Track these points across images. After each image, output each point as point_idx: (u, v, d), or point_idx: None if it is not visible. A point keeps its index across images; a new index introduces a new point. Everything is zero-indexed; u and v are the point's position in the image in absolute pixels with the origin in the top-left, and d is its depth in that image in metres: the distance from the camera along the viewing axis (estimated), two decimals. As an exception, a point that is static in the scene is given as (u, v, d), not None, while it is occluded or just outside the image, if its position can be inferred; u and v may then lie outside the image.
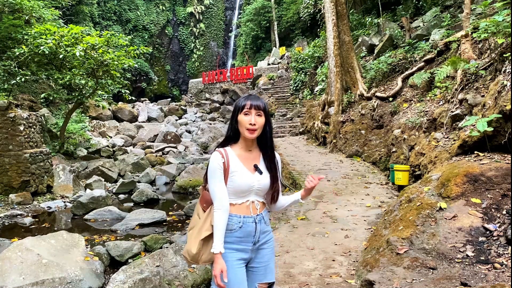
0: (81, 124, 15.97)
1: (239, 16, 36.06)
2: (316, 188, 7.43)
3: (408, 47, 10.53)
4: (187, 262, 2.13)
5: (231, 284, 1.97)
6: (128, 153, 15.18)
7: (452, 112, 6.46)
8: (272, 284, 2.19)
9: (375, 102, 10.30)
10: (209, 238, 2.02)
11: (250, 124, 2.02)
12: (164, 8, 40.05)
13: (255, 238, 2.10)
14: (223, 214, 2.00)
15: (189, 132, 21.28)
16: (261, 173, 2.10)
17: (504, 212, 3.71)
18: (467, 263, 3.29)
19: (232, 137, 2.11)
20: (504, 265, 3.16)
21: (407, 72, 9.80)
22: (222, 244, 1.98)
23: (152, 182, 11.61)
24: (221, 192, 2.02)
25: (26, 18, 13.67)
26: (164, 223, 7.33)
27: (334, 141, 11.50)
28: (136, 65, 21.24)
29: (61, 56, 11.64)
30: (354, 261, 4.07)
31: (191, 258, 2.06)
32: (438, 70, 7.27)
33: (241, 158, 2.09)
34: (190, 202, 8.39)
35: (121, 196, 10.08)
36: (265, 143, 2.13)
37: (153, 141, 18.66)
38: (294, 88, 20.95)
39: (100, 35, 12.82)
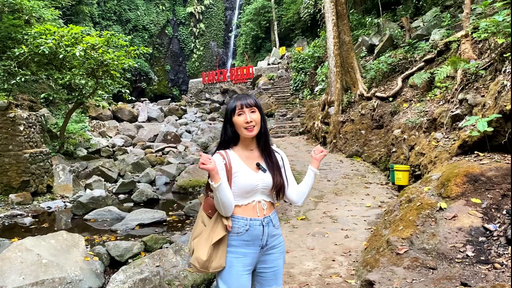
0: (81, 124, 15.97)
1: (239, 16, 36.08)
2: (316, 188, 7.47)
3: (408, 47, 10.53)
4: (196, 271, 2.03)
5: None
6: (128, 153, 15.17)
7: (452, 112, 6.46)
8: None
9: (375, 102, 10.30)
10: (219, 242, 1.98)
11: (247, 122, 2.00)
12: (164, 8, 40.05)
13: (263, 242, 2.05)
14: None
15: (189, 132, 21.28)
16: (264, 171, 2.07)
17: (504, 212, 3.71)
18: (467, 263, 3.29)
19: (230, 140, 2.09)
20: (504, 265, 3.15)
21: (407, 72, 9.80)
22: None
23: (152, 182, 11.60)
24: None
25: (26, 18, 13.67)
26: (164, 223, 7.33)
27: (334, 141, 11.50)
28: (136, 65, 21.25)
29: (61, 56, 11.63)
30: (354, 261, 4.07)
31: (201, 266, 1.98)
32: (438, 70, 7.27)
33: (242, 158, 2.07)
34: (190, 202, 8.39)
35: (121, 196, 10.07)
36: (260, 139, 2.11)
37: (153, 141, 18.66)
38: (294, 88, 20.96)
39: (100, 35, 12.81)
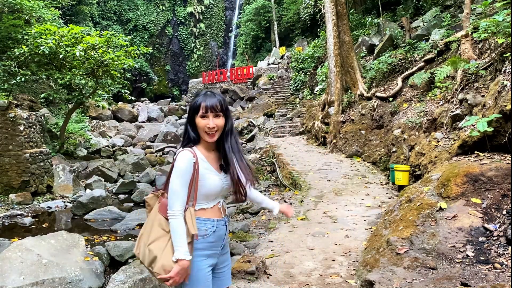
0: (81, 124, 15.97)
1: (239, 16, 36.07)
2: (316, 188, 7.47)
3: (408, 47, 10.52)
4: (160, 278, 1.90)
5: None
6: (128, 153, 15.17)
7: (452, 112, 6.46)
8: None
9: (375, 102, 10.30)
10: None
11: (208, 128, 1.91)
12: (164, 8, 40.05)
13: (224, 242, 2.05)
14: (182, 219, 1.89)
15: (189, 132, 21.25)
16: (226, 172, 2.03)
17: (504, 212, 3.71)
18: (467, 263, 3.29)
19: (196, 140, 1.99)
20: (504, 265, 3.16)
21: (407, 72, 9.80)
22: (189, 251, 1.86)
23: (152, 182, 11.60)
24: (185, 197, 1.89)
25: (26, 18, 13.68)
26: (164, 223, 7.32)
27: (334, 141, 11.50)
28: (136, 65, 21.25)
29: (61, 56, 11.64)
30: (354, 261, 4.07)
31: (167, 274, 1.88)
32: (438, 70, 7.27)
33: (208, 159, 1.99)
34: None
35: (121, 196, 10.08)
36: (224, 142, 2.01)
37: (153, 141, 18.66)
38: (294, 88, 20.95)
39: (100, 35, 12.82)
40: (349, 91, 12.08)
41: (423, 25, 11.39)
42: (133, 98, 18.36)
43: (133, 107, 24.05)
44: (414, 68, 9.55)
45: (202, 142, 2.01)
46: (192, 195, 1.92)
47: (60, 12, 17.37)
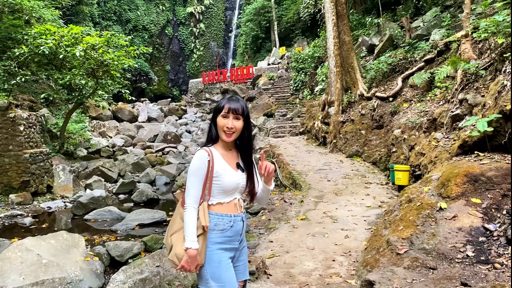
0: (81, 124, 15.97)
1: (239, 16, 36.07)
2: (316, 188, 7.45)
3: (408, 47, 10.53)
4: (175, 267, 2.12)
5: (227, 285, 2.01)
6: (128, 153, 15.17)
7: (452, 112, 6.46)
8: (246, 281, 2.24)
9: (375, 102, 10.30)
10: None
11: (227, 127, 2.05)
12: (164, 8, 40.05)
13: (241, 236, 2.16)
14: (196, 213, 2.04)
15: (189, 132, 21.29)
16: (243, 171, 2.16)
17: (504, 212, 3.71)
18: (467, 263, 3.29)
19: (216, 138, 2.14)
20: (504, 265, 3.16)
21: (407, 72, 9.80)
22: (196, 240, 2.01)
23: (152, 182, 11.60)
24: (198, 192, 2.05)
25: (26, 18, 13.67)
26: (164, 223, 7.33)
27: (334, 141, 11.49)
28: (136, 65, 21.23)
29: (61, 56, 11.64)
30: (354, 261, 4.07)
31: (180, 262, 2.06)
32: (438, 70, 7.27)
33: (224, 157, 2.13)
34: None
35: (121, 196, 10.07)
36: (241, 146, 2.17)
37: (153, 141, 18.66)
38: (294, 88, 20.94)
39: (100, 35, 12.82)
40: (349, 91, 12.08)
41: (423, 25, 11.39)
42: (133, 98, 18.35)
43: (133, 107, 24.04)
44: (414, 68, 9.55)
45: (220, 141, 2.14)
46: (207, 191, 2.08)
47: (60, 12, 17.37)
